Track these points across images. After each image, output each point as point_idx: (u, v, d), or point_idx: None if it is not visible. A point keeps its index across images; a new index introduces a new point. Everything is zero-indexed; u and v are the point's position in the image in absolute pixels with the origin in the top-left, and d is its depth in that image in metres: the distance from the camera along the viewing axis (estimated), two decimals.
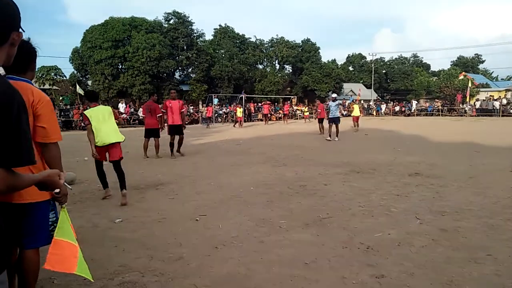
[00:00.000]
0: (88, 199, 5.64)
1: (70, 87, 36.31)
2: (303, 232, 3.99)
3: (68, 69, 40.14)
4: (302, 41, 50.90)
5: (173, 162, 9.22)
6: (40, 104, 2.16)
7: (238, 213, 4.72)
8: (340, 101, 15.82)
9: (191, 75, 41.36)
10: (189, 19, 39.55)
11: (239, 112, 25.80)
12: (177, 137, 10.29)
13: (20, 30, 1.33)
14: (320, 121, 17.22)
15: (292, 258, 3.33)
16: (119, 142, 5.53)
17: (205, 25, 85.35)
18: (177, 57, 39.47)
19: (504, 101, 32.42)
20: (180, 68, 41.33)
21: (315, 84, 46.25)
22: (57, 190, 2.12)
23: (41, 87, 33.99)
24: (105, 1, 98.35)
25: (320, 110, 17.67)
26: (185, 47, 39.37)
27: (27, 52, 2.27)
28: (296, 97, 43.59)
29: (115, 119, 5.76)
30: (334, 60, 55.89)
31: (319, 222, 4.31)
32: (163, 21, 39.73)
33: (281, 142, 13.60)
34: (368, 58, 60.19)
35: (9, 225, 2.04)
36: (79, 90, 29.00)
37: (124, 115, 27.33)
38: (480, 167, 7.52)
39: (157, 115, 10.64)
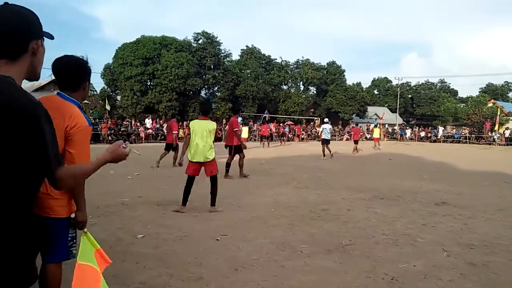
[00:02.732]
0: (113, 213, 5.73)
1: (100, 101, 37.56)
2: (325, 259, 3.92)
3: (99, 84, 41.59)
4: (327, 63, 51.17)
5: (196, 180, 9.28)
6: (75, 129, 2.08)
7: (259, 234, 4.69)
8: (330, 126, 17.53)
9: (217, 93, 42.10)
10: (217, 39, 40.65)
11: (245, 132, 24.66)
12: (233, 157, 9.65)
13: (42, 38, 1.30)
14: (355, 142, 20.06)
15: (313, 285, 3.27)
16: (213, 159, 5.84)
17: (233, 46, 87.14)
18: (204, 76, 40.36)
19: None
20: (206, 86, 42.17)
21: (339, 107, 46.14)
22: (72, 215, 2.18)
23: None
24: (138, 20, 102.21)
25: (353, 133, 20.62)
26: (212, 66, 40.25)
27: (81, 70, 2.24)
28: (319, 118, 43.50)
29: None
30: (359, 83, 55.84)
31: (341, 248, 4.23)
32: (192, 40, 40.93)
33: (303, 163, 13.53)
34: (394, 82, 59.80)
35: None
36: (107, 105, 29.96)
37: (150, 131, 27.92)
38: (510, 199, 7.24)
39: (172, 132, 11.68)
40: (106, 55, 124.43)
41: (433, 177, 10.28)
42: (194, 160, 5.79)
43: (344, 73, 50.66)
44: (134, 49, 37.10)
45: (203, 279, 3.34)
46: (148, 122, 29.44)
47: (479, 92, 64.86)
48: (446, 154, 19.64)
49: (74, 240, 2.26)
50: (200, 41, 40.75)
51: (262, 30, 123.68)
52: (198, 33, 40.74)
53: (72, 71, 2.21)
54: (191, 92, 40.17)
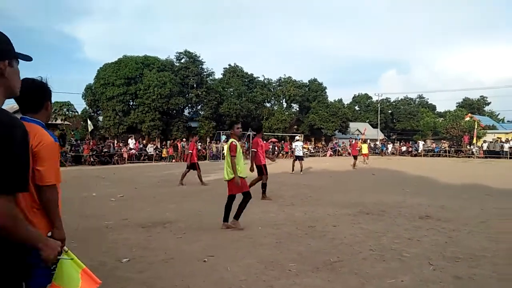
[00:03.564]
0: (96, 236, 5.61)
1: (82, 123, 37.00)
2: (313, 277, 3.91)
3: (80, 105, 41.02)
4: (309, 80, 51.95)
5: (181, 199, 9.20)
6: (40, 146, 2.06)
7: (247, 254, 4.65)
8: (302, 143, 18.30)
9: (200, 112, 42.09)
10: (200, 58, 40.83)
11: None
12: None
13: (12, 58, 1.33)
14: (354, 157, 20.65)
15: None
16: (230, 180, 5.90)
17: (216, 64, 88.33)
18: (187, 95, 40.37)
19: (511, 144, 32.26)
20: (189, 105, 42.14)
21: (322, 123, 46.68)
22: (48, 234, 2.09)
23: (53, 122, 34.74)
24: (120, 40, 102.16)
25: (352, 148, 21.11)
26: (195, 85, 40.34)
27: (41, 91, 2.25)
28: (302, 135, 43.89)
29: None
30: (341, 99, 56.69)
31: (329, 266, 4.23)
32: (174, 60, 41.03)
33: (287, 180, 13.56)
34: (374, 98, 61.04)
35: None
36: (89, 125, 29.55)
37: (133, 151, 27.59)
38: (491, 211, 7.39)
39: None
40: (88, 75, 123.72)
41: (415, 191, 10.44)
42: (226, 178, 5.97)
43: (326, 90, 51.49)
44: (116, 69, 36.92)
45: None
46: (131, 142, 29.13)
47: (456, 106, 66.79)
48: (427, 168, 20.00)
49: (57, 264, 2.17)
50: (182, 60, 40.89)
51: (245, 49, 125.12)
52: (180, 53, 40.92)
53: (32, 94, 2.21)
54: (175, 111, 40.03)
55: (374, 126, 56.47)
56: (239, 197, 6.05)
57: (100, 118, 39.54)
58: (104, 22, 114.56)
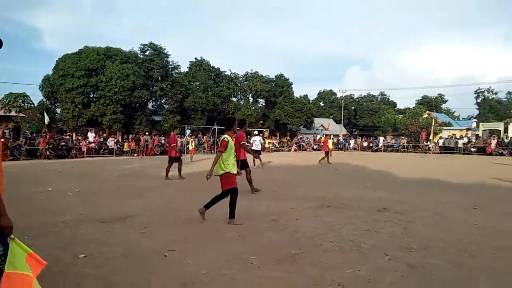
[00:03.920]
0: (52, 232, 5.38)
1: (38, 115, 35.29)
2: (275, 269, 3.95)
3: (37, 97, 39.09)
4: (275, 76, 52.28)
5: (142, 194, 9.01)
6: None
7: (209, 248, 4.63)
8: (260, 138, 18.81)
9: (164, 105, 41.29)
10: (165, 51, 39.97)
11: (191, 144, 24.50)
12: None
13: None
14: (326, 153, 20.78)
15: None
16: (221, 175, 5.98)
17: (181, 58, 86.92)
18: (151, 88, 39.42)
19: (465, 140, 34.04)
20: (153, 98, 41.22)
21: (287, 118, 47.18)
22: None
23: (7, 114, 32.89)
24: (81, 30, 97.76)
25: (323, 145, 21.16)
26: (159, 78, 39.48)
27: None
28: (268, 130, 44.16)
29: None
30: (306, 95, 57.51)
31: (291, 258, 4.29)
32: (138, 52, 39.90)
33: (252, 175, 13.58)
34: (338, 95, 62.36)
35: None
36: (46, 118, 28.29)
37: (93, 144, 26.67)
38: (445, 204, 7.78)
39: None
40: (46, 66, 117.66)
41: (375, 185, 10.80)
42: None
43: (292, 86, 52.02)
44: (77, 60, 35.41)
45: None
46: (91, 135, 28.12)
47: (416, 104, 69.72)
48: (386, 163, 20.73)
49: (3, 258, 2.07)
50: (147, 53, 39.84)
51: (211, 43, 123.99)
52: (145, 45, 39.83)
53: None
54: (137, 104, 39.02)
55: (338, 121, 57.78)
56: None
57: (58, 110, 37.86)
58: (65, 11, 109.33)
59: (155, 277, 3.70)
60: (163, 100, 41.63)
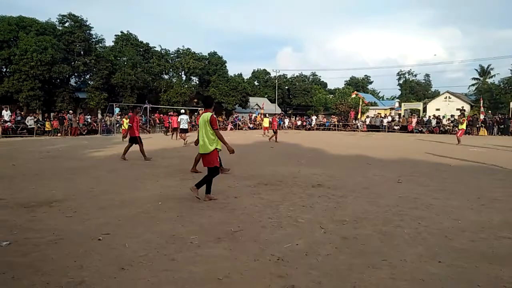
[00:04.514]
0: None
1: None
2: (215, 247, 3.94)
3: None
4: (209, 53, 51.37)
5: (69, 176, 8.42)
6: None
7: (146, 230, 4.48)
8: (187, 117, 19.15)
9: (89, 82, 38.52)
10: (87, 23, 37.00)
11: (125, 124, 21.71)
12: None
13: None
14: (274, 132, 20.83)
15: (205, 275, 3.26)
16: (211, 152, 5.85)
17: (106, 31, 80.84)
18: (73, 63, 36.46)
19: (390, 119, 36.61)
20: (76, 74, 38.22)
21: (222, 97, 46.88)
22: None
23: None
24: None
25: (274, 122, 21.41)
26: (82, 52, 36.60)
27: None
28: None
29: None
30: (241, 74, 57.51)
31: (231, 235, 4.31)
32: (57, 23, 36.46)
33: (189, 154, 13.37)
34: (272, 74, 63.23)
35: None
36: None
37: (9, 124, 24.25)
38: (372, 178, 8.32)
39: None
40: None
41: (309, 162, 11.20)
42: (201, 152, 6.03)
43: (226, 64, 51.63)
44: None
45: (85, 283, 3.06)
46: (6, 114, 25.45)
47: (344, 84, 73.17)
48: (319, 141, 21.63)
49: None
50: (66, 24, 36.51)
51: (139, 16, 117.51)
52: (64, 15, 36.40)
53: None
54: (58, 81, 35.96)
55: (272, 101, 58.77)
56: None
57: None
58: None
59: (89, 261, 3.49)
60: (87, 76, 38.86)
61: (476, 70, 58.09)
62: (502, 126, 29.50)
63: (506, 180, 8.25)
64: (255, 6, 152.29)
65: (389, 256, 3.70)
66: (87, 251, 3.76)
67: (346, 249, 3.89)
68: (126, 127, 21.44)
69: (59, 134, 25.56)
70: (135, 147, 11.38)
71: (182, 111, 20.61)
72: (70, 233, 4.35)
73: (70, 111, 29.59)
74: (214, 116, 5.96)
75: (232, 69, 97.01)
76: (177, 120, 19.44)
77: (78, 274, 3.21)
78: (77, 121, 27.44)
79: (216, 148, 5.97)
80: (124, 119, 22.80)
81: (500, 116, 32.81)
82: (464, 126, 20.09)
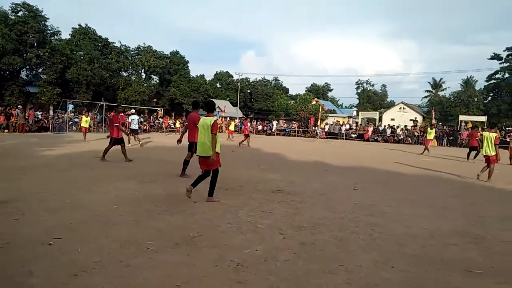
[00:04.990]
0: None
1: None
2: (173, 253, 3.86)
3: None
4: (170, 52, 50.50)
5: (17, 176, 7.92)
6: None
7: (100, 234, 4.30)
8: (138, 117, 19.10)
9: (42, 76, 36.52)
10: (43, 13, 35.16)
11: (85, 122, 20.82)
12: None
13: None
14: (246, 136, 20.86)
15: (162, 281, 3.19)
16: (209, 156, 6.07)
17: (62, 23, 77.18)
18: (25, 55, 34.46)
19: (347, 127, 37.74)
20: (28, 67, 36.15)
21: (183, 98, 46.21)
22: None
23: None
24: None
25: (246, 126, 21.91)
26: (35, 44, 34.67)
27: None
28: (162, 109, 42.67)
29: None
30: (203, 75, 56.98)
31: (189, 241, 4.24)
32: (9, 12, 34.38)
33: (149, 155, 13.07)
34: (235, 77, 63.18)
35: None
36: None
37: None
38: (329, 185, 8.52)
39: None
40: None
41: (270, 168, 11.28)
42: (198, 154, 6.26)
43: (188, 64, 51.00)
44: None
45: None
46: None
47: (306, 91, 74.64)
48: (279, 146, 21.86)
49: None
50: (20, 14, 34.50)
51: (97, 10, 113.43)
52: (17, 4, 34.36)
53: None
54: (8, 73, 33.85)
55: (234, 104, 58.66)
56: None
57: None
58: None
59: (39, 267, 3.31)
60: (40, 69, 36.85)
61: (429, 82, 61.27)
62: (451, 138, 31.30)
63: (456, 189, 8.78)
64: (220, 6, 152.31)
65: (346, 261, 3.80)
66: (37, 256, 3.56)
67: (304, 255, 3.95)
68: (85, 125, 20.39)
69: (6, 131, 24.03)
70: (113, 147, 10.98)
71: (133, 111, 20.08)
72: (17, 237, 4.09)
73: (19, 106, 27.91)
74: (217, 122, 6.15)
75: (194, 70, 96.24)
76: (129, 120, 18.80)
77: (27, 281, 3.04)
78: (26, 117, 25.93)
79: (218, 152, 6.18)
80: (83, 117, 21.46)
81: (449, 128, 34.86)
82: (431, 136, 20.97)
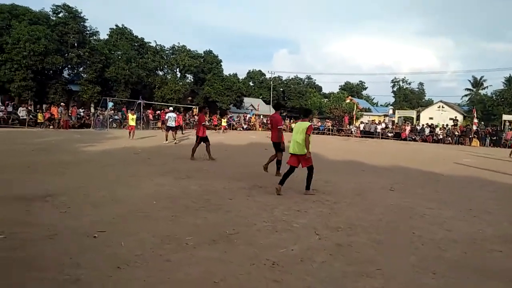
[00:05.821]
0: None
1: None
2: (210, 249, 3.94)
3: None
4: (204, 52, 51.17)
5: (62, 171, 8.33)
6: None
7: (141, 229, 4.46)
8: (175, 115, 18.82)
9: (82, 75, 38.14)
10: (82, 15, 36.62)
11: (132, 119, 19.89)
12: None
13: None
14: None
15: (200, 277, 3.26)
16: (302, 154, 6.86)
17: (100, 24, 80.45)
18: (67, 54, 36.02)
19: (383, 125, 36.87)
20: (69, 66, 37.79)
21: (217, 96, 46.72)
22: None
23: None
24: None
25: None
26: (76, 44, 36.16)
27: None
28: (197, 107, 43.38)
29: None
30: (236, 74, 57.35)
31: (226, 238, 4.31)
32: (51, 13, 36.02)
33: (182, 152, 13.34)
34: (268, 76, 63.23)
35: None
36: None
37: (1, 114, 23.90)
38: (365, 185, 8.37)
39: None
40: None
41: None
42: (292, 152, 6.98)
43: (221, 63, 51.48)
44: None
45: (81, 281, 3.04)
46: None
47: (339, 89, 73.57)
48: (313, 145, 21.49)
49: None
50: (60, 15, 36.01)
51: (134, 10, 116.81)
52: (58, 6, 35.87)
53: None
54: (51, 72, 35.51)
55: (267, 102, 58.73)
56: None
57: None
58: None
59: (85, 259, 3.48)
60: (81, 68, 38.42)
61: (469, 81, 58.74)
62: (495, 138, 29.90)
63: (497, 192, 8.38)
64: (252, 6, 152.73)
65: (383, 265, 3.73)
66: (83, 249, 3.74)
67: (341, 257, 3.92)
68: (132, 123, 19.58)
69: (51, 127, 25.26)
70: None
71: (171, 108, 20.22)
72: (65, 229, 4.31)
73: (62, 104, 29.26)
74: (312, 126, 7.12)
75: (227, 69, 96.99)
76: (166, 117, 18.96)
77: (75, 272, 3.19)
78: (69, 114, 27.15)
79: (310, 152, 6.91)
80: (130, 115, 20.69)
81: (492, 127, 33.29)
82: None
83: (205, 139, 11.43)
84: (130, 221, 4.76)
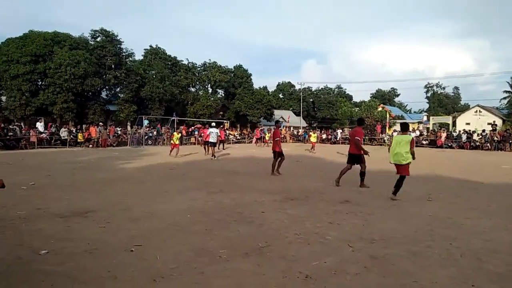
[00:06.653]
0: (7, 228, 5.08)
1: None
2: (243, 262, 3.99)
3: None
4: (234, 66, 52.10)
5: (101, 188, 8.70)
6: None
7: (176, 242, 4.59)
8: (217, 130, 18.84)
9: (119, 95, 39.87)
10: (118, 37, 38.46)
11: (176, 139, 18.71)
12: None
13: None
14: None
15: None
16: (405, 164, 7.64)
17: (135, 45, 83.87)
18: (104, 76, 37.84)
19: (418, 133, 35.78)
20: (107, 87, 39.66)
21: (247, 110, 47.26)
22: None
23: None
24: (24, 13, 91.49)
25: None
26: (113, 65, 37.96)
27: None
28: (228, 121, 44.02)
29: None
30: (265, 87, 57.95)
31: (258, 251, 4.35)
32: (89, 38, 38.12)
33: (215, 167, 13.56)
34: (297, 87, 63.31)
35: None
36: None
37: (44, 135, 25.22)
38: (400, 195, 8.12)
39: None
40: None
41: (335, 177, 11.05)
42: (393, 162, 7.85)
43: (251, 77, 52.17)
44: (21, 45, 33.26)
45: None
46: (40, 125, 26.41)
47: (370, 97, 72.36)
48: (344, 155, 21.31)
49: None
50: (98, 39, 38.07)
51: (166, 31, 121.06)
52: (96, 31, 38.03)
53: None
54: (90, 93, 37.35)
55: (297, 114, 58.67)
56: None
57: (3, 98, 35.49)
58: None
59: (122, 272, 3.62)
60: (118, 89, 40.25)
61: (508, 82, 55.81)
62: None
63: None
64: (276, 19, 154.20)
65: (420, 277, 3.64)
66: (120, 262, 3.90)
67: (375, 269, 3.85)
68: (175, 141, 18.72)
69: (90, 146, 26.39)
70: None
71: (213, 124, 19.59)
72: (103, 243, 4.51)
73: (100, 123, 30.56)
74: (414, 139, 7.89)
75: (257, 82, 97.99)
76: (207, 133, 18.80)
77: (114, 285, 3.33)
78: (107, 133, 28.29)
79: (409, 163, 7.64)
80: (175, 133, 19.78)
81: None
82: None
83: (281, 154, 11.71)
84: (165, 235, 4.91)
